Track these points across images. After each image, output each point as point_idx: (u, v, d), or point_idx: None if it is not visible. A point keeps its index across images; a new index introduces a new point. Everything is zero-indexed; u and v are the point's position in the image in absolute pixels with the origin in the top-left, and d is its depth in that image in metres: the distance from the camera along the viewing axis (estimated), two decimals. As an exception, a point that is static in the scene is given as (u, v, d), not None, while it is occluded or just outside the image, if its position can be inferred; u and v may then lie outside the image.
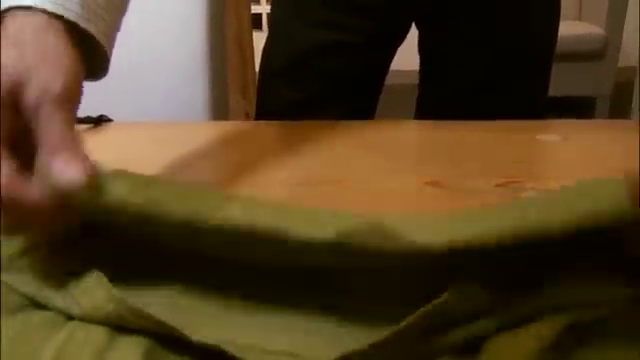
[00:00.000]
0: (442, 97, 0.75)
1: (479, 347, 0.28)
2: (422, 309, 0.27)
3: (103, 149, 0.52)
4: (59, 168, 0.30)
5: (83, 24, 0.34)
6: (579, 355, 0.27)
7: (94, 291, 0.31)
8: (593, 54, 2.31)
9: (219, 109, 0.86)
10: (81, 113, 0.67)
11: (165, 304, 0.32)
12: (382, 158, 0.57)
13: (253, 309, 0.31)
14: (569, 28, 2.51)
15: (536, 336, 0.27)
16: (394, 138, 0.63)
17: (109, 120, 0.70)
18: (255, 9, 2.24)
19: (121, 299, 0.30)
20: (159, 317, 0.28)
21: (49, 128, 0.30)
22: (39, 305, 0.33)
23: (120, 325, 0.30)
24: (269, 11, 0.83)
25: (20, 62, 0.31)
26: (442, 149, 0.59)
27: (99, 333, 0.30)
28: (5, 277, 0.34)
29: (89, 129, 0.68)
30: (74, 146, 0.31)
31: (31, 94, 0.30)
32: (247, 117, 1.54)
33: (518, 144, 0.58)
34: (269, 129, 0.68)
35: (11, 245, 0.36)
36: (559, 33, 0.73)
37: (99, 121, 0.69)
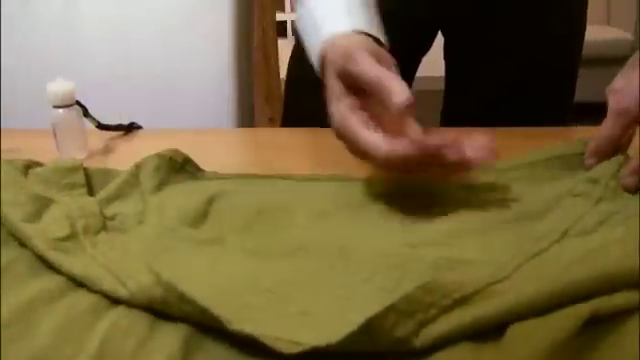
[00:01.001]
0: (467, 105, 0.75)
1: (502, 332, 0.28)
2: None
3: (133, 154, 0.54)
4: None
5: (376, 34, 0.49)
6: (599, 345, 0.27)
7: (140, 274, 0.33)
8: (621, 59, 2.28)
9: (245, 116, 0.87)
10: (112, 121, 0.70)
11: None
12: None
13: None
14: (597, 33, 2.48)
15: (560, 326, 0.27)
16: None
17: (139, 127, 0.72)
18: (280, 17, 2.26)
19: (169, 283, 0.31)
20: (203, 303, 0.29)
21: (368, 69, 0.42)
22: (82, 286, 0.35)
23: (162, 311, 0.31)
24: (294, 18, 0.84)
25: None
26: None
27: (141, 321, 0.31)
28: (52, 257, 0.36)
29: (120, 136, 0.70)
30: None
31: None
32: (271, 122, 1.56)
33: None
34: (297, 135, 0.69)
35: (58, 228, 0.38)
36: (586, 38, 0.73)
37: (129, 128, 0.71)
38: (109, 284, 0.33)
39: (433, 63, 0.81)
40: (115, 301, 0.33)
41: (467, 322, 0.29)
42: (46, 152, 0.61)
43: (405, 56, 0.74)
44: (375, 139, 0.41)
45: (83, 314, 0.32)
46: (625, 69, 0.43)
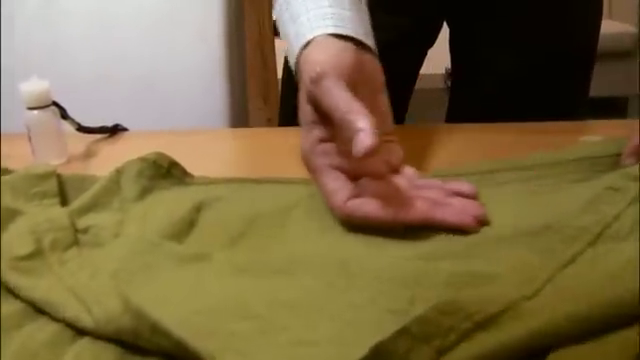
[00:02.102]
0: (474, 99, 0.71)
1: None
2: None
3: (118, 159, 0.49)
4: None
5: (361, 38, 0.43)
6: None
7: (108, 299, 0.28)
8: (624, 53, 2.23)
9: (239, 116, 0.82)
10: (100, 123, 0.66)
11: None
12: (415, 164, 0.52)
13: None
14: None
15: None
16: (427, 144, 0.59)
17: (124, 129, 0.68)
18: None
19: (139, 310, 0.26)
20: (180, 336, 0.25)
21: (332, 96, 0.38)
22: (43, 312, 0.30)
23: (133, 343, 0.27)
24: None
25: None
26: (476, 153, 0.54)
27: (108, 356, 0.27)
28: (11, 279, 0.31)
29: (103, 139, 0.65)
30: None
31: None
32: (269, 123, 1.51)
33: (561, 148, 0.54)
34: (293, 135, 0.64)
35: (20, 245, 0.34)
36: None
37: (114, 130, 0.67)
38: (72, 311, 0.29)
39: (433, 60, 0.77)
40: (80, 331, 0.28)
41: (492, 348, 0.25)
42: (22, 158, 0.56)
43: (411, 48, 0.70)
44: (332, 188, 0.38)
45: (42, 347, 0.28)
46: None
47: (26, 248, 0.34)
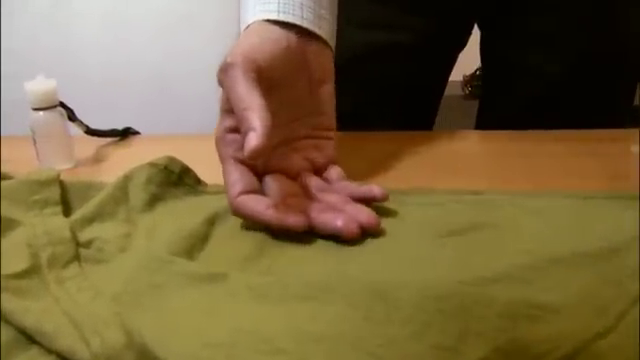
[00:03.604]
0: (506, 106, 0.66)
1: None
2: None
3: (128, 164, 0.46)
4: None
5: (307, 25, 0.41)
6: None
7: (109, 330, 0.25)
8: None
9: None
10: (111, 126, 0.62)
11: None
12: (445, 174, 0.48)
13: None
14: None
15: None
16: (458, 150, 0.55)
17: (136, 133, 0.64)
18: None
19: (144, 347, 0.22)
20: None
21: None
22: (34, 342, 0.26)
23: None
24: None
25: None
26: (515, 163, 0.50)
27: None
28: (2, 301, 0.28)
29: (114, 142, 0.62)
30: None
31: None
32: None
33: (609, 157, 0.49)
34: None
35: (14, 260, 0.31)
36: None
37: (125, 134, 0.63)
38: (68, 341, 0.25)
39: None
40: None
41: None
42: (25, 162, 0.53)
43: (436, 51, 0.66)
44: (230, 180, 0.38)
45: None
46: None
47: (21, 264, 0.30)
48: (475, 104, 0.72)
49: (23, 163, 0.51)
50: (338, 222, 0.34)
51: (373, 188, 0.38)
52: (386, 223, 0.36)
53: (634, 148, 0.51)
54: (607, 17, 0.59)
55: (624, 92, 0.63)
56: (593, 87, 0.61)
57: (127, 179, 0.42)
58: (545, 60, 0.60)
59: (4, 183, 0.40)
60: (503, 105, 0.66)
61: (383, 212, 0.38)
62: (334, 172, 0.42)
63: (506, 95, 0.65)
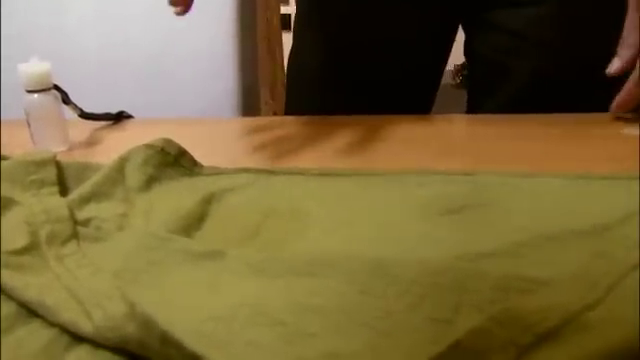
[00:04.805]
0: (491, 106, 0.64)
1: None
2: None
3: (122, 147, 0.46)
4: None
5: None
6: None
7: (111, 302, 0.25)
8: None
9: (249, 107, 0.79)
10: (105, 109, 0.62)
11: None
12: (441, 155, 0.49)
13: None
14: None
15: None
16: (445, 132, 0.55)
17: (129, 117, 0.64)
18: (284, 10, 2.19)
19: (147, 318, 0.23)
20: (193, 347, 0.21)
21: None
22: (37, 315, 0.27)
23: (139, 354, 0.24)
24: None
25: None
26: (510, 146, 0.50)
27: None
28: (3, 276, 0.28)
29: (107, 126, 0.62)
30: None
31: None
32: (275, 116, 1.49)
33: (599, 139, 0.50)
34: (306, 124, 0.60)
35: (14, 237, 0.31)
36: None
37: (119, 118, 0.63)
38: (70, 314, 0.25)
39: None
40: (78, 338, 0.25)
41: None
42: (21, 145, 0.53)
43: (431, 43, 0.65)
44: None
45: (34, 356, 0.24)
46: None
47: (20, 241, 0.31)
48: (465, 93, 0.72)
49: (18, 146, 0.51)
50: None
51: None
52: (385, 202, 0.37)
53: (627, 130, 0.51)
54: (582, 17, 0.58)
55: (603, 91, 0.61)
56: (572, 88, 0.60)
57: (124, 160, 0.42)
58: (529, 58, 0.60)
59: (2, 163, 0.40)
60: (488, 105, 0.65)
61: (381, 192, 0.38)
62: None
63: (488, 98, 0.65)
